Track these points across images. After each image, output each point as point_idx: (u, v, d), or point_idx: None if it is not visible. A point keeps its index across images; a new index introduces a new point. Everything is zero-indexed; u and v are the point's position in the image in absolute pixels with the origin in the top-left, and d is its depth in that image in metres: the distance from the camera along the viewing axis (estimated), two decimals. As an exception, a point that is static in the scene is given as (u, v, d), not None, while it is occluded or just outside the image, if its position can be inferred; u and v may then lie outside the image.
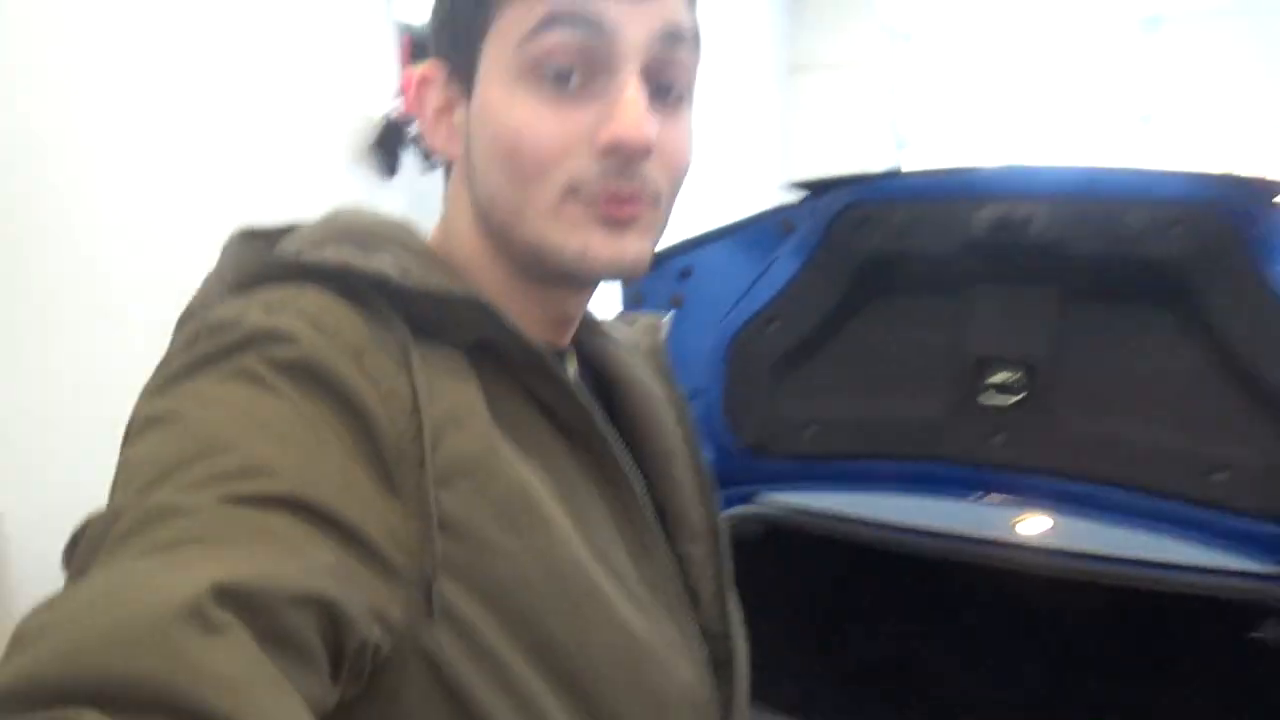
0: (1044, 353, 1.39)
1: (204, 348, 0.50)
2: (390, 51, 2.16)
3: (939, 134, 4.86)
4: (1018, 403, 1.41)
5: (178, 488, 0.43)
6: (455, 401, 0.54)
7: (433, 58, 0.62)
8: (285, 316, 0.51)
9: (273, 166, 1.91)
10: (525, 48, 0.55)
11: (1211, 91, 4.18)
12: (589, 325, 0.72)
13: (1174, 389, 1.35)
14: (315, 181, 2.01)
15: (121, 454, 0.49)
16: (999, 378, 1.41)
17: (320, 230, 0.59)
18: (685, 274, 1.60)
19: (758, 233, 1.56)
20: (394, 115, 2.14)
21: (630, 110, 0.55)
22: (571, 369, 0.68)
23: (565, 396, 0.60)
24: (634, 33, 0.55)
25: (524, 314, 0.61)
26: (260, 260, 0.56)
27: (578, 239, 0.57)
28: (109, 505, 0.45)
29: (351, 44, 2.09)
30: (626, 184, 0.56)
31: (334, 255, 0.55)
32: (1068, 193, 1.30)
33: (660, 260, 1.54)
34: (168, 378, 0.50)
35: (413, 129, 2.14)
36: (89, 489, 0.53)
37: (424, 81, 0.63)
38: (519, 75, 0.56)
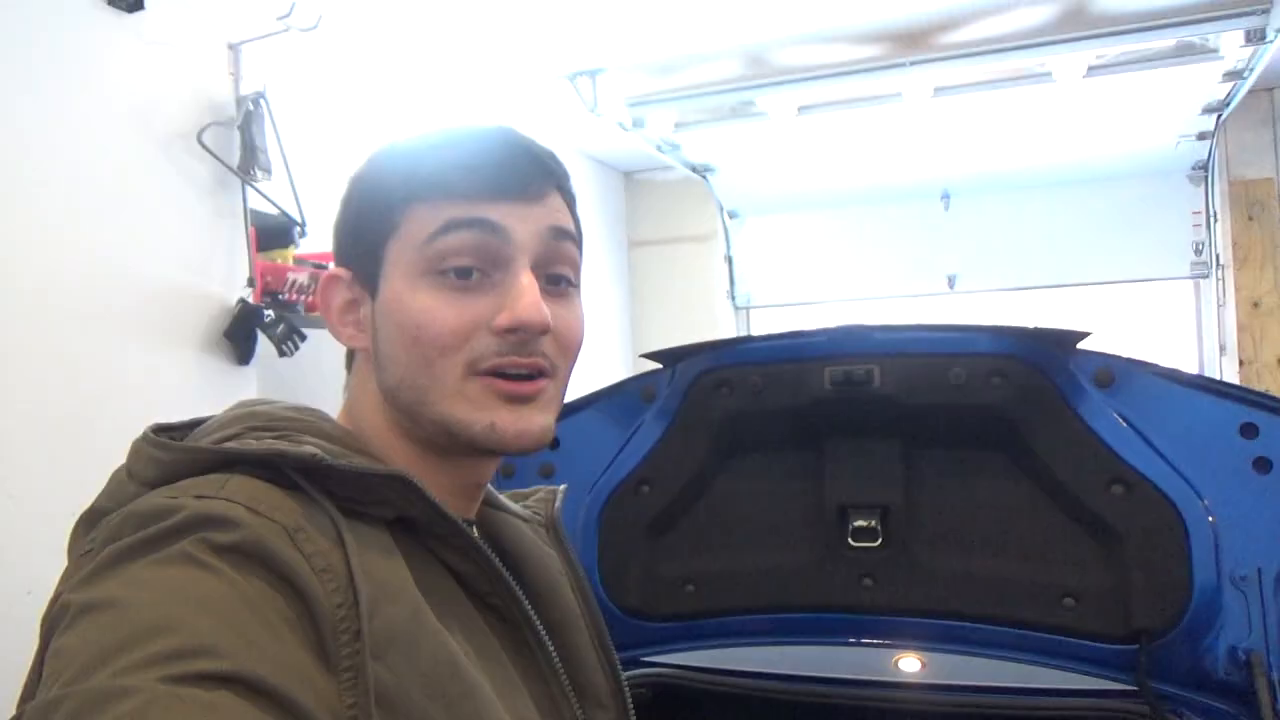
0: (897, 498, 1.49)
1: (138, 535, 0.51)
2: (242, 241, 2.17)
3: (771, 297, 5.21)
4: (879, 547, 1.49)
5: (118, 671, 0.43)
6: (385, 576, 0.55)
7: (338, 262, 0.68)
8: (220, 502, 0.52)
9: (127, 353, 1.85)
10: (427, 248, 0.62)
11: (1006, 256, 4.70)
12: (486, 499, 0.75)
13: (1015, 523, 1.46)
14: (172, 368, 1.95)
15: (53, 644, 0.48)
16: (859, 524, 1.49)
17: (232, 423, 0.61)
18: (553, 444, 1.63)
19: (620, 401, 1.62)
20: (248, 302, 2.12)
21: (526, 295, 0.62)
22: (479, 537, 0.70)
23: (486, 569, 0.63)
24: (524, 233, 0.63)
25: (436, 484, 0.64)
26: (181, 452, 0.58)
27: (484, 415, 0.62)
28: (42, 696, 0.44)
29: (206, 234, 2.09)
30: (524, 358, 0.62)
31: (257, 444, 0.57)
32: (900, 350, 1.43)
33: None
34: (99, 566, 0.50)
35: (266, 316, 2.13)
36: None
37: (331, 281, 0.67)
38: (422, 272, 0.62)
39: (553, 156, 0.69)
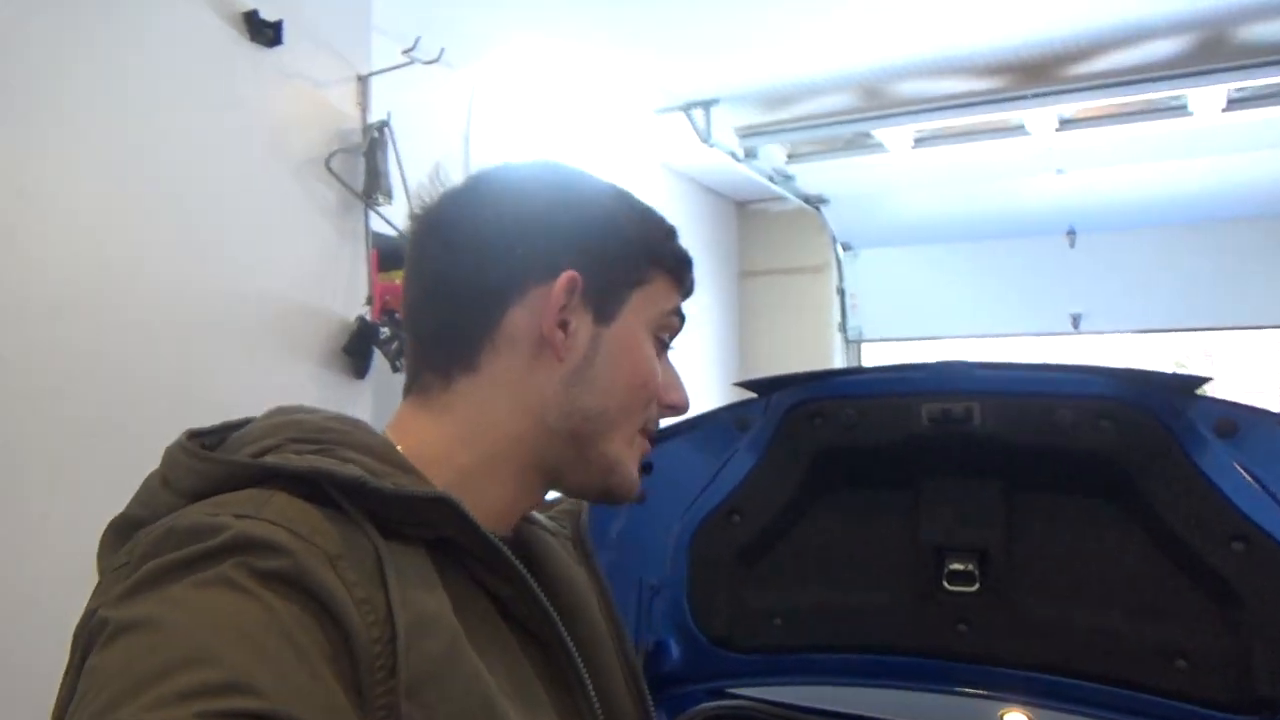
0: (997, 542, 1.44)
1: (179, 554, 0.50)
2: (362, 262, 2.28)
3: (884, 331, 5.10)
4: (976, 592, 1.44)
5: (154, 702, 0.42)
6: (425, 607, 0.55)
7: (572, 265, 0.67)
8: (262, 524, 0.51)
9: (253, 364, 1.96)
10: (662, 318, 0.73)
11: (1135, 296, 4.48)
12: None
13: (1125, 576, 1.39)
14: (293, 380, 2.06)
15: (89, 661, 0.47)
16: (956, 566, 1.44)
17: (272, 432, 0.61)
18: (646, 469, 1.63)
19: (713, 429, 1.62)
20: (366, 320, 2.22)
21: (683, 384, 0.75)
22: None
23: (526, 594, 0.62)
24: None
25: (489, 505, 0.65)
26: (220, 465, 0.57)
27: (633, 472, 0.71)
28: (76, 716, 0.44)
29: (330, 254, 2.20)
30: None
31: (298, 460, 0.56)
32: (1002, 389, 1.38)
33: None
34: (138, 582, 0.50)
35: (382, 333, 2.22)
36: None
37: (573, 285, 0.67)
38: (651, 331, 0.72)
39: None
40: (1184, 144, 3.84)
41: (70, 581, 1.57)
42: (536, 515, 0.78)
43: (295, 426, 0.61)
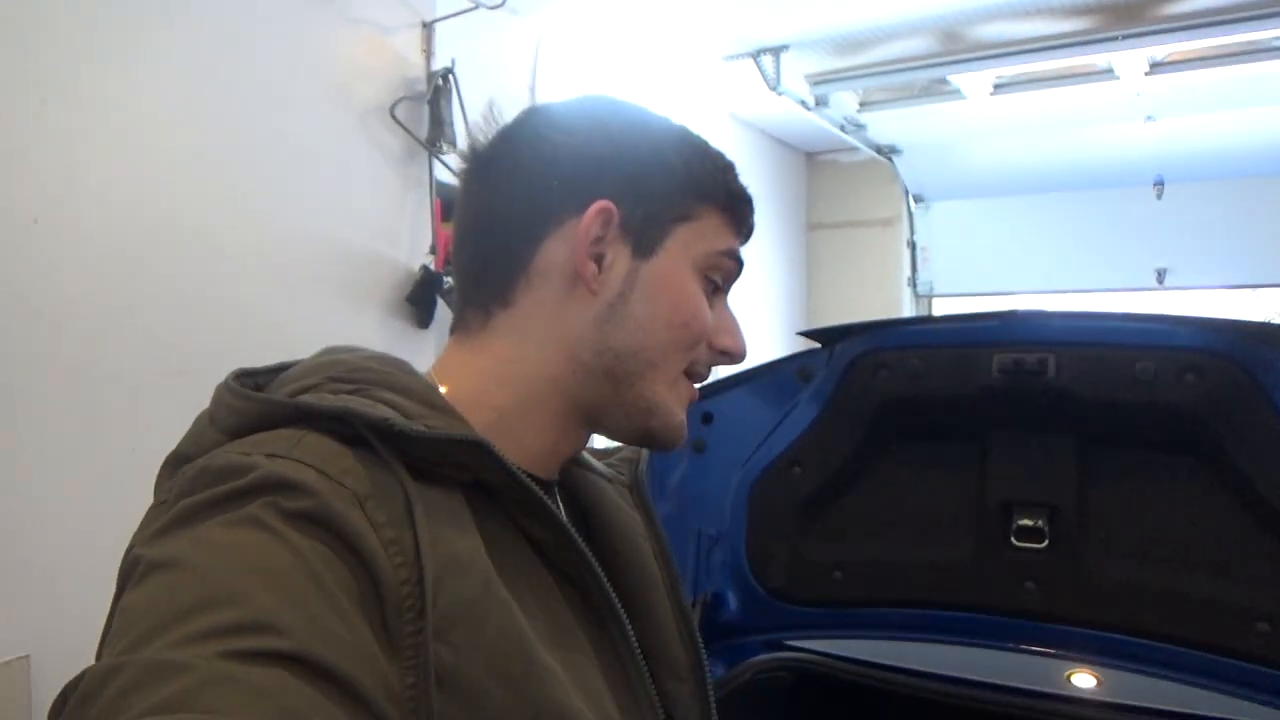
0: (1068, 499, 1.39)
1: (210, 493, 0.50)
2: (426, 211, 2.28)
3: (956, 285, 4.97)
4: (1045, 549, 1.39)
5: (179, 640, 0.43)
6: (456, 548, 0.54)
7: (606, 195, 0.65)
8: (292, 464, 0.51)
9: (317, 312, 2.00)
10: (711, 257, 0.68)
11: (1224, 250, 4.27)
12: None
13: (1204, 536, 1.33)
14: (357, 328, 2.09)
15: (122, 600, 0.48)
16: (1024, 523, 1.39)
17: (313, 372, 0.61)
18: (706, 419, 1.62)
19: (775, 379, 1.59)
20: (430, 270, 2.23)
21: (740, 330, 0.71)
22: (557, 498, 0.69)
23: (562, 538, 0.61)
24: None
25: (528, 446, 0.64)
26: (258, 403, 0.57)
27: (679, 414, 0.68)
28: (105, 657, 0.44)
29: (395, 203, 2.21)
30: (702, 381, 0.70)
31: (333, 400, 0.56)
32: (1079, 340, 1.32)
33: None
34: (171, 521, 0.50)
35: (446, 283, 2.23)
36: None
37: (607, 215, 0.65)
38: (698, 270, 0.68)
39: None
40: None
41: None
42: (591, 460, 0.77)
43: (335, 366, 0.61)
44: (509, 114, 0.71)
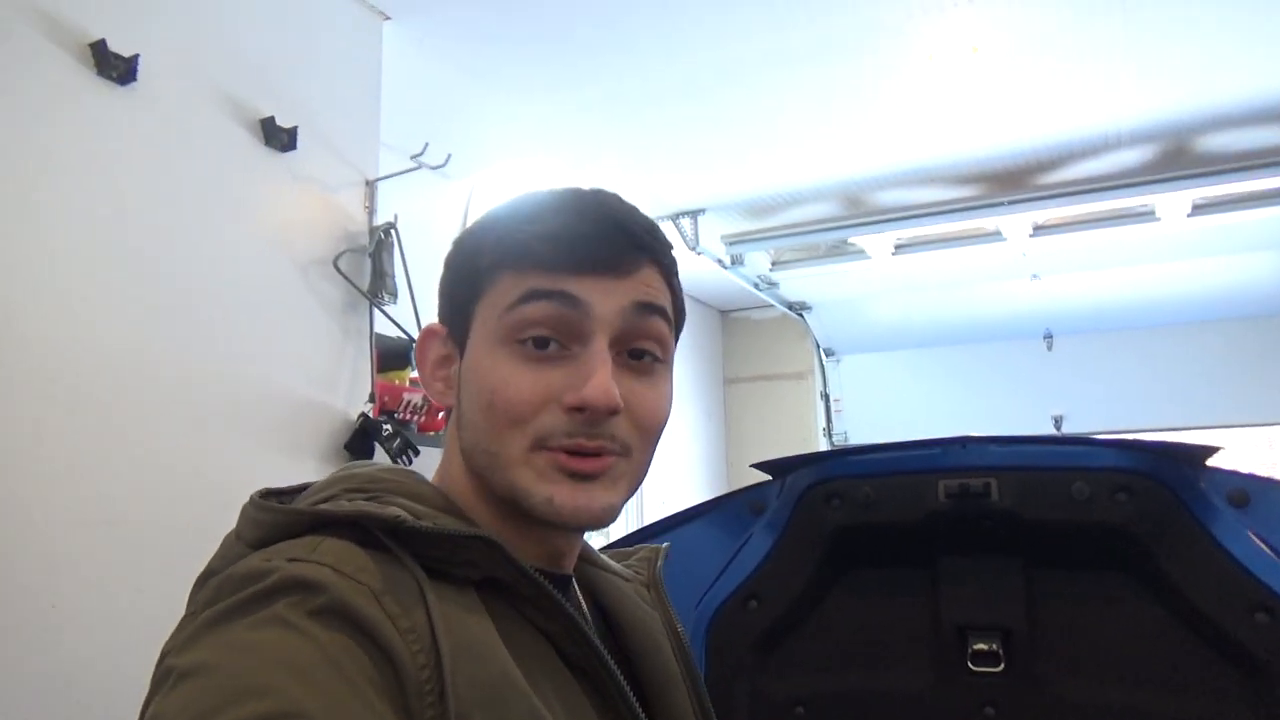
0: (1019, 620, 1.43)
1: (235, 598, 0.52)
2: (366, 360, 2.29)
3: (869, 435, 5.14)
4: (1002, 673, 1.42)
5: None
6: (471, 635, 0.55)
7: (439, 319, 0.69)
8: (310, 566, 0.54)
9: (254, 458, 1.95)
10: (508, 316, 0.62)
11: (1115, 397, 4.57)
12: (585, 556, 0.75)
13: (1150, 651, 1.38)
14: (295, 475, 2.03)
15: (152, 707, 0.49)
16: (980, 646, 1.42)
17: (331, 485, 0.64)
18: (661, 556, 1.62)
19: (728, 513, 1.62)
20: (369, 417, 2.22)
21: (598, 374, 0.61)
22: (574, 596, 0.70)
23: (574, 633, 0.62)
24: (605, 308, 0.62)
25: (521, 546, 0.64)
26: (279, 514, 0.60)
27: (545, 488, 0.61)
28: None
29: (335, 352, 2.22)
30: (590, 440, 0.61)
31: (349, 506, 0.59)
32: (1020, 463, 1.40)
33: (633, 542, 1.58)
34: (199, 628, 0.52)
35: (385, 430, 2.22)
36: None
37: (428, 335, 0.70)
38: (502, 339, 0.63)
39: (651, 229, 0.67)
40: (1153, 249, 4.00)
41: (84, 667, 1.52)
42: (608, 561, 0.78)
43: (351, 479, 0.64)
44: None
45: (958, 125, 3.08)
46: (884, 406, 5.12)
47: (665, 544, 0.83)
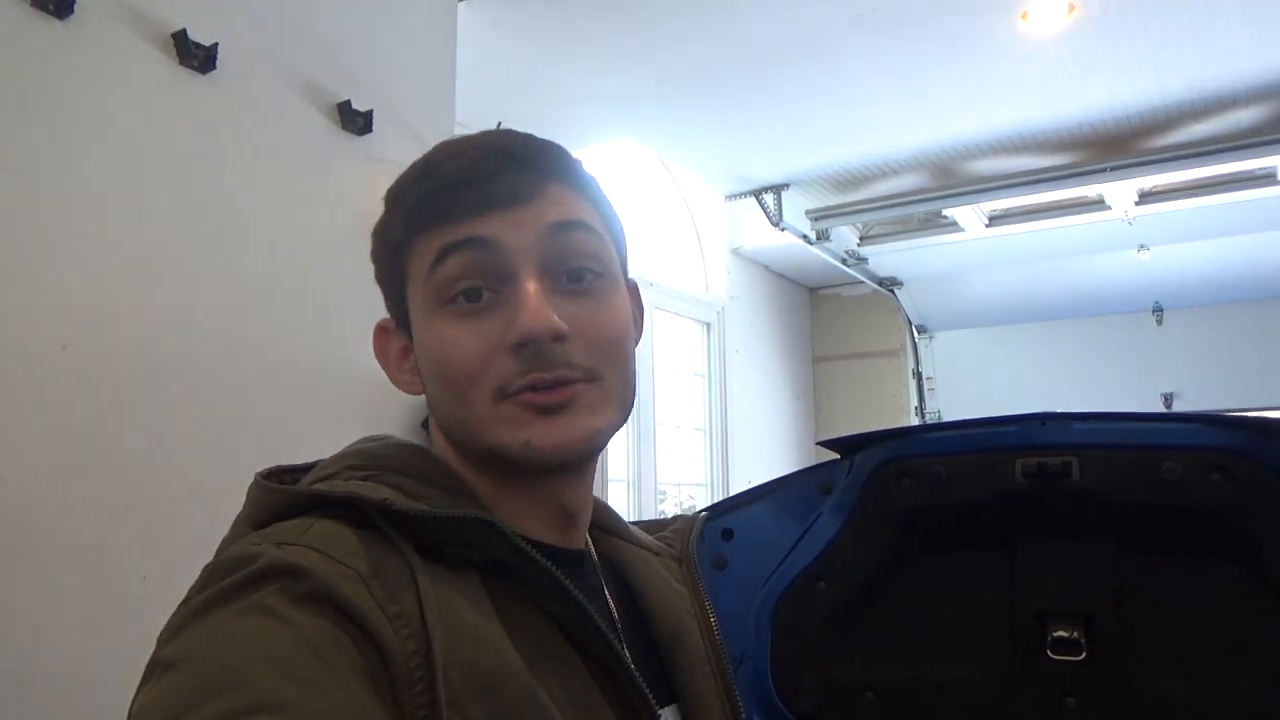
0: (1104, 607, 1.35)
1: (220, 586, 0.52)
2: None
3: (964, 414, 4.98)
4: (1084, 662, 1.34)
5: None
6: (466, 620, 0.54)
7: (388, 314, 0.69)
8: (297, 550, 0.53)
9: (336, 437, 2.00)
10: (431, 281, 0.61)
11: (1231, 373, 4.31)
12: (611, 529, 0.73)
13: (1251, 644, 1.28)
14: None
15: (137, 700, 0.49)
16: (1060, 634, 1.35)
17: (335, 462, 0.63)
18: (726, 535, 1.59)
19: (796, 492, 1.57)
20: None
21: (527, 305, 0.59)
22: (590, 571, 0.68)
23: (579, 615, 0.59)
24: (519, 240, 0.60)
25: (526, 516, 0.63)
26: (277, 494, 0.60)
27: (521, 433, 0.59)
28: None
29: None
30: (546, 372, 0.59)
31: (342, 486, 0.58)
32: (1103, 442, 1.32)
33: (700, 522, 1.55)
34: (183, 617, 0.52)
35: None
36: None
37: (380, 332, 0.69)
38: (434, 306, 0.61)
39: (548, 148, 0.65)
40: (1273, 215, 3.74)
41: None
42: (638, 534, 0.76)
43: (356, 455, 0.63)
44: None
45: (1055, 88, 2.93)
46: (980, 385, 4.95)
47: (702, 514, 0.80)
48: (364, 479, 0.60)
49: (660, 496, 4.03)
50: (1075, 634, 1.35)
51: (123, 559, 1.60)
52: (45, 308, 1.55)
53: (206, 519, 1.77)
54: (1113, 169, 3.35)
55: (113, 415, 1.63)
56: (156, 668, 0.49)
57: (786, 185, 3.78)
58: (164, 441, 1.70)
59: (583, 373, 0.60)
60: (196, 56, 1.80)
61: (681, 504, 4.09)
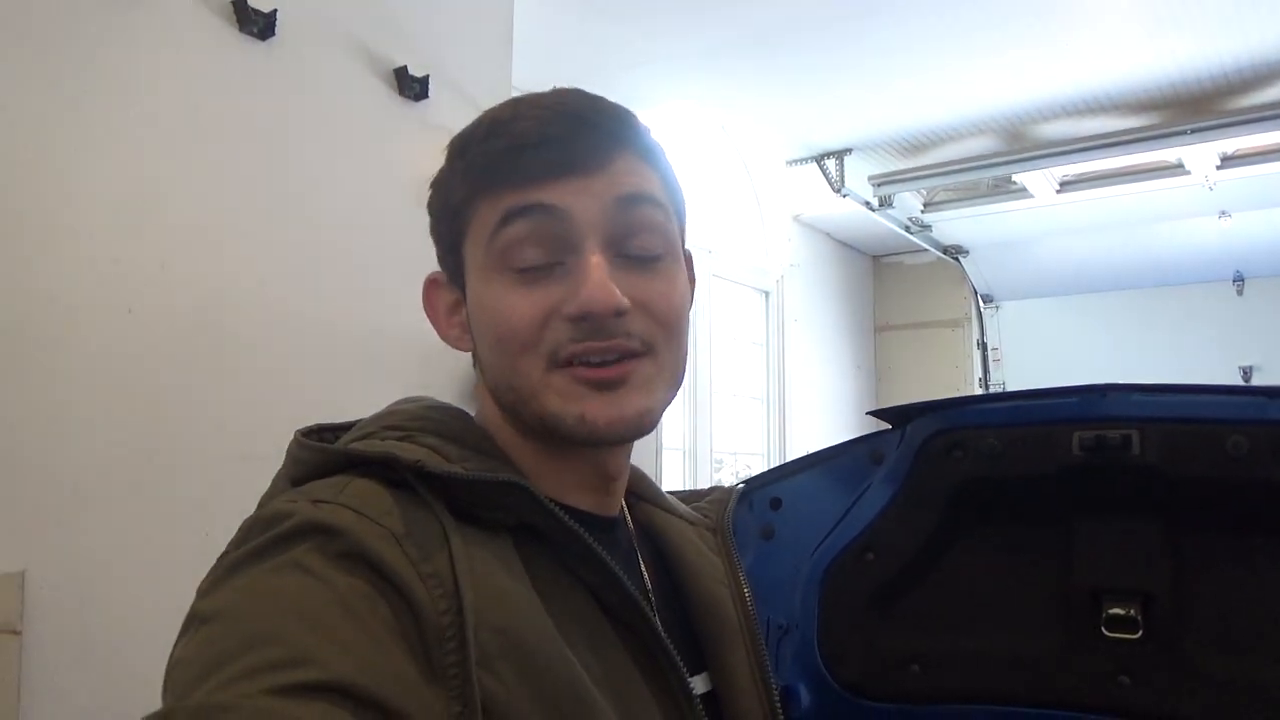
0: (1162, 586, 1.31)
1: (255, 543, 0.52)
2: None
3: (1029, 386, 4.87)
4: (1140, 640, 1.31)
5: (223, 682, 0.44)
6: (498, 583, 0.54)
7: (439, 267, 0.69)
8: (331, 508, 0.53)
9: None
10: (493, 244, 0.60)
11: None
12: (647, 496, 0.73)
13: (1317, 627, 1.24)
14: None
15: (172, 653, 0.50)
16: (1116, 611, 1.32)
17: (373, 422, 0.64)
18: (775, 504, 1.58)
19: (847, 462, 1.56)
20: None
21: (591, 278, 0.58)
22: (624, 538, 0.68)
23: (611, 581, 0.59)
24: (586, 209, 0.59)
25: (564, 482, 0.63)
26: (315, 452, 0.60)
27: (574, 406, 0.59)
28: (160, 709, 0.46)
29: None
30: (601, 342, 0.59)
31: (379, 446, 0.59)
32: (1166, 415, 1.27)
33: (749, 491, 1.54)
34: (221, 573, 0.53)
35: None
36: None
37: (431, 285, 0.69)
38: (494, 268, 0.61)
39: (619, 114, 0.63)
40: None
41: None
42: (674, 503, 0.76)
43: (393, 416, 0.64)
44: None
45: (1130, 47, 2.80)
46: (1048, 356, 4.82)
47: (740, 486, 0.80)
48: (400, 439, 0.60)
49: (716, 465, 4.03)
50: (1132, 611, 1.31)
51: (188, 516, 1.66)
52: (112, 275, 1.60)
53: (268, 479, 1.82)
54: (1193, 131, 3.20)
55: (177, 377, 1.68)
56: (193, 621, 0.50)
57: (849, 150, 3.70)
58: (226, 403, 1.75)
59: (640, 344, 0.60)
60: (256, 23, 1.83)
61: (737, 473, 4.09)
